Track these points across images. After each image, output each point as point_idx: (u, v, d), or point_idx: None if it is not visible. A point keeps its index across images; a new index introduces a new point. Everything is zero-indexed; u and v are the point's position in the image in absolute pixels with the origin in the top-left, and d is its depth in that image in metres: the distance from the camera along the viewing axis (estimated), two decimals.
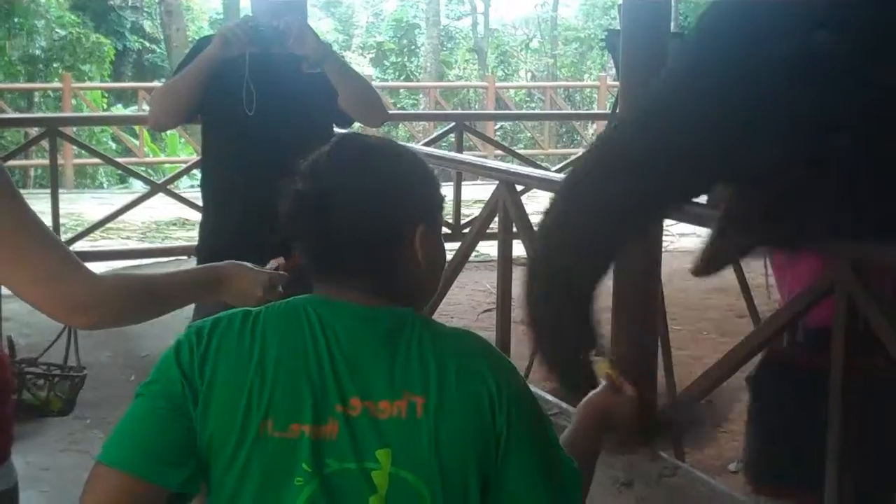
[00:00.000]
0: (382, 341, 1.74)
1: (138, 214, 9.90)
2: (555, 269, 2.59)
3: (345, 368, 1.72)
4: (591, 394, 2.13)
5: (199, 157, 11.04)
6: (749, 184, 2.77)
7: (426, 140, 11.18)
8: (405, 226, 1.79)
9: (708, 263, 3.08)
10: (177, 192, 9.74)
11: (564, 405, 5.44)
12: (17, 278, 2.08)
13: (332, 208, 1.75)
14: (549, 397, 5.61)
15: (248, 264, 2.46)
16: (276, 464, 1.70)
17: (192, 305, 4.11)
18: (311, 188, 1.78)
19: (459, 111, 18.42)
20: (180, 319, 2.78)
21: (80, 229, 9.05)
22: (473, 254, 6.96)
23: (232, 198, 4.00)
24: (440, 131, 10.55)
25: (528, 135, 20.75)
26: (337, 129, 4.25)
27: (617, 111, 5.23)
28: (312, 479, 1.69)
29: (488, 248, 7.98)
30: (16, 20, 18.18)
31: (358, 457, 1.70)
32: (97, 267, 2.33)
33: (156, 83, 19.49)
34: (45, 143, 9.22)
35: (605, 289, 6.35)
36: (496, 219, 6.03)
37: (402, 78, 24.90)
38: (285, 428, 1.69)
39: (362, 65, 24.28)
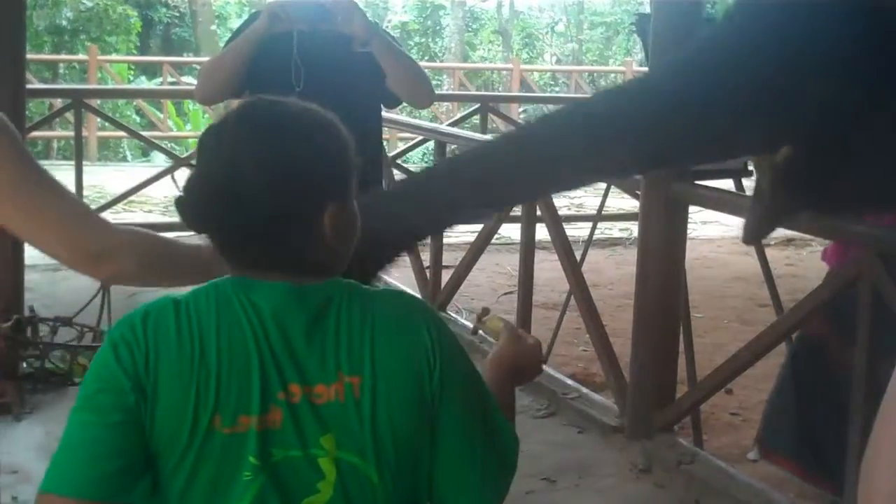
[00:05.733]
0: (313, 321, 1.65)
1: (161, 188, 9.91)
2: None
3: (283, 353, 1.63)
4: (494, 349, 2.03)
5: None
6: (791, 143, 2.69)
7: (450, 121, 11.14)
8: (313, 206, 1.67)
9: (755, 229, 3.04)
10: None
11: (585, 389, 5.44)
12: (37, 233, 2.10)
13: (239, 188, 1.64)
14: (569, 381, 5.61)
15: None
16: (226, 460, 1.61)
17: None
18: (216, 166, 1.67)
19: (484, 93, 18.37)
20: None
21: (102, 202, 9.07)
22: (495, 236, 6.95)
23: None
24: (464, 112, 10.52)
25: None
26: (385, 111, 4.27)
27: None
28: (261, 471, 1.61)
29: (510, 231, 7.98)
30: None
31: (303, 444, 1.63)
32: None
33: (184, 57, 19.54)
34: (69, 115, 9.23)
35: (627, 275, 6.35)
36: None
37: (425, 58, 24.86)
38: (234, 422, 1.61)
39: None
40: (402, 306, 1.75)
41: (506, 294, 7.83)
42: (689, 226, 4.95)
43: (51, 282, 7.10)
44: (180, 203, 1.71)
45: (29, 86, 7.88)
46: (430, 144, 8.95)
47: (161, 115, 16.98)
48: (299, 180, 1.66)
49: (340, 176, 1.72)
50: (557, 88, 22.73)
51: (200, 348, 1.62)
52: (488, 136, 9.15)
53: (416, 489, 1.72)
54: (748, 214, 3.04)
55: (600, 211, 6.88)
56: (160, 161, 13.21)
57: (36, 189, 2.10)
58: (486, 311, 2.19)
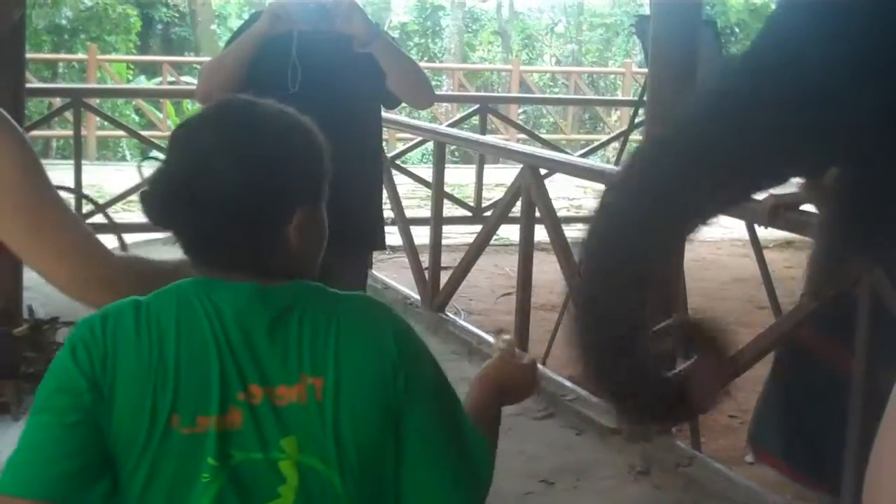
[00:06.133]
0: (275, 322, 1.64)
1: None
2: (593, 298, 2.30)
3: (243, 354, 1.62)
4: (483, 366, 2.01)
5: None
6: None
7: (449, 122, 11.15)
8: (280, 210, 1.66)
9: (826, 285, 2.82)
10: None
11: (583, 391, 5.43)
12: (39, 254, 2.06)
13: (206, 188, 1.63)
14: (567, 383, 5.61)
15: None
16: (185, 461, 1.60)
17: None
18: (181, 164, 1.66)
19: (483, 94, 18.38)
20: None
21: (101, 201, 9.07)
22: (494, 237, 6.95)
23: None
24: (464, 113, 10.53)
25: (551, 120, 20.70)
26: (384, 111, 4.27)
27: (644, 98, 5.20)
28: (220, 473, 1.60)
29: (508, 232, 7.97)
30: None
31: (263, 446, 1.61)
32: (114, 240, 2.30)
33: (183, 57, 19.52)
34: (68, 115, 9.23)
35: None
36: (518, 202, 6.02)
37: (425, 59, 24.84)
38: (192, 423, 1.60)
39: None
40: (369, 311, 1.72)
41: (504, 295, 7.82)
42: None
43: (47, 296, 7.08)
44: (146, 197, 1.69)
45: (28, 85, 7.91)
46: (430, 145, 8.96)
47: (160, 115, 16.97)
48: (268, 184, 1.65)
49: (311, 181, 1.71)
50: (557, 90, 22.71)
51: (159, 348, 1.61)
52: (487, 138, 9.16)
53: (381, 496, 1.69)
54: (811, 267, 2.79)
55: None
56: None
57: (44, 206, 2.06)
58: (499, 331, 2.16)
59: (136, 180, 7.13)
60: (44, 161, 2.17)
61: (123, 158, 17.10)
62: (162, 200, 1.67)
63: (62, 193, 2.22)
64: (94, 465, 1.58)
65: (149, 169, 1.70)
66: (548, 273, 7.19)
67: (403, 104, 4.39)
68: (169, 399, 1.59)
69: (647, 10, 5.18)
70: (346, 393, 1.63)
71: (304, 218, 1.67)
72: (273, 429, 1.61)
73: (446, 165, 7.58)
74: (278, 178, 1.65)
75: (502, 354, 2.01)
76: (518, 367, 1.99)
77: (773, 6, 2.43)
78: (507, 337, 2.08)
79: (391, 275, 8.02)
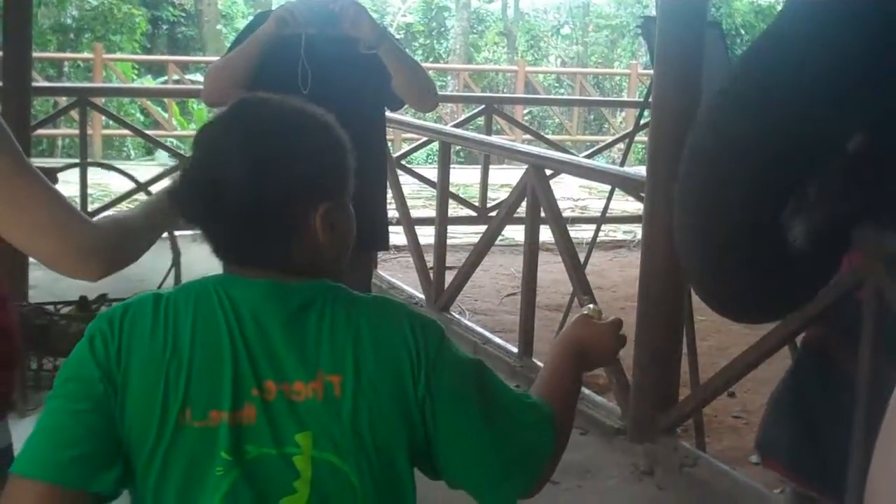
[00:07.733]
0: (293, 319, 1.65)
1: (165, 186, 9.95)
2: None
3: (259, 350, 1.63)
4: (564, 329, 1.99)
5: None
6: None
7: (455, 122, 11.16)
8: (303, 207, 1.66)
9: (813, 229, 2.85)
10: None
11: (587, 391, 5.44)
12: (23, 229, 2.05)
13: (221, 186, 1.64)
14: None
15: None
16: (197, 454, 1.61)
17: None
18: (202, 164, 1.68)
19: (489, 94, 18.38)
20: None
21: (107, 200, 9.09)
22: (499, 238, 6.95)
23: None
24: (469, 114, 10.54)
25: (557, 120, 20.71)
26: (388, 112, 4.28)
27: (650, 99, 5.20)
28: (233, 467, 1.61)
29: (513, 233, 7.98)
30: None
31: (277, 442, 1.62)
32: None
33: (189, 56, 19.53)
34: (74, 114, 9.25)
35: (631, 277, 6.36)
36: (523, 203, 6.02)
37: (430, 60, 24.85)
38: (204, 416, 1.61)
39: None
40: (388, 311, 1.72)
41: (509, 295, 7.83)
42: None
43: (56, 279, 7.10)
44: (173, 196, 1.72)
45: (34, 84, 7.94)
46: (435, 145, 8.97)
47: (166, 114, 16.99)
48: (282, 182, 1.65)
49: (331, 176, 1.70)
50: (562, 90, 22.73)
51: (173, 342, 1.63)
52: (492, 138, 9.17)
53: (398, 492, 1.69)
54: (802, 222, 2.84)
55: (604, 213, 6.88)
56: (164, 159, 13.21)
57: (25, 182, 2.06)
58: (584, 300, 2.13)
59: (142, 179, 7.11)
60: (49, 160, 2.18)
61: (129, 157, 17.13)
62: (187, 201, 1.69)
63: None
64: (101, 454, 1.60)
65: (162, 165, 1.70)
66: (552, 273, 7.20)
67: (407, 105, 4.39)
68: (181, 392, 1.61)
69: (652, 12, 5.18)
70: (366, 391, 1.64)
71: (330, 212, 1.68)
72: (288, 424, 1.62)
73: (451, 166, 7.59)
74: (289, 174, 1.65)
75: (576, 320, 1.98)
76: (599, 326, 1.96)
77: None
78: (593, 306, 2.03)
79: (396, 274, 8.03)
